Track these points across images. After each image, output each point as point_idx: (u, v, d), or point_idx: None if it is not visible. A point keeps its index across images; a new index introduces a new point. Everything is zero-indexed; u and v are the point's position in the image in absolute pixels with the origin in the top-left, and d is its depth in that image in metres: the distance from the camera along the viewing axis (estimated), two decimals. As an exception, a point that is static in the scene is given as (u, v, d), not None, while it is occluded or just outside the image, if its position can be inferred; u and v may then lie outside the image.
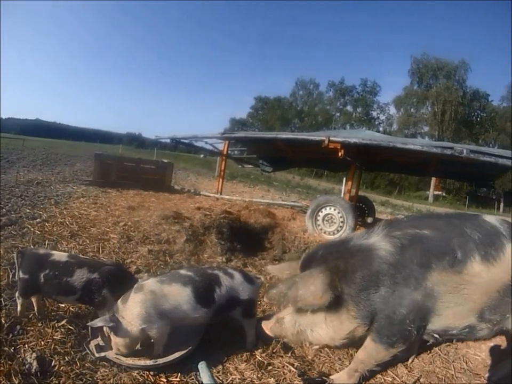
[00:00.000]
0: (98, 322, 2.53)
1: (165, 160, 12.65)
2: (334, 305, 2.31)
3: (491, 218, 2.46)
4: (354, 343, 2.52)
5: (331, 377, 2.63)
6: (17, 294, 2.88)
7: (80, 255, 3.62)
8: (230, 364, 2.74)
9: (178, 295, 2.62)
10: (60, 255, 2.93)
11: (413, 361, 2.99)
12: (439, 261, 2.23)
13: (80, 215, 6.09)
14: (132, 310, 2.53)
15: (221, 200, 9.71)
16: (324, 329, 2.41)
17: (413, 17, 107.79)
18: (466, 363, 2.86)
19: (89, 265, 2.89)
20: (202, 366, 2.54)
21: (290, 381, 2.62)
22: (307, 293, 2.22)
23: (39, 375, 2.31)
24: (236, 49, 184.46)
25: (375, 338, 2.37)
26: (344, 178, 12.05)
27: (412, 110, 53.63)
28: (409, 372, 2.87)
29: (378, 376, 2.77)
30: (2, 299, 3.09)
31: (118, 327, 2.50)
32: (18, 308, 2.88)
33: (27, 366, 2.34)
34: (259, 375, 2.63)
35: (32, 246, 4.25)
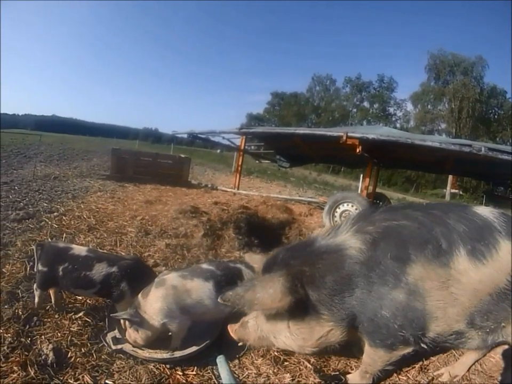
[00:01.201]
0: (123, 315, 2.56)
1: (182, 155, 12.68)
2: (300, 312, 2.19)
3: (484, 210, 2.18)
4: (329, 349, 2.37)
5: (347, 376, 2.59)
6: (35, 286, 2.92)
7: (99, 249, 3.67)
8: (246, 358, 2.73)
9: (201, 290, 2.62)
10: (79, 249, 2.97)
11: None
12: (421, 251, 2.02)
13: (97, 209, 6.15)
14: (154, 305, 2.54)
15: (238, 195, 9.69)
16: (289, 337, 2.29)
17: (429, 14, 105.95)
18: (480, 365, 2.78)
19: (108, 259, 2.92)
20: (221, 360, 2.54)
21: (306, 377, 2.59)
22: (265, 296, 2.07)
23: (55, 366, 2.33)
24: (251, 45, 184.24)
25: (369, 343, 2.25)
26: (361, 175, 11.94)
27: (429, 106, 52.81)
28: (424, 372, 2.82)
29: (393, 375, 2.71)
30: (19, 291, 3.14)
31: (139, 321, 2.52)
32: (36, 300, 2.91)
33: (43, 357, 2.37)
34: (275, 370, 2.61)
35: (49, 239, 4.31)
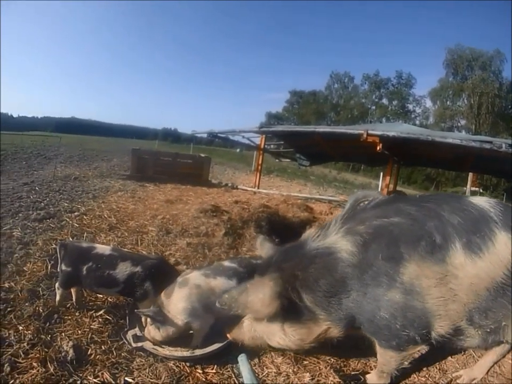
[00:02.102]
0: (147, 312, 2.57)
1: (202, 155, 12.76)
2: (295, 314, 2.21)
3: (480, 200, 2.13)
4: (327, 345, 2.46)
5: (366, 376, 2.56)
6: (57, 285, 2.95)
7: (123, 249, 3.70)
8: (266, 357, 2.72)
9: (224, 288, 2.60)
10: (103, 248, 2.99)
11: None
12: (413, 248, 1.99)
13: (118, 209, 6.23)
14: (178, 304, 2.54)
15: (258, 194, 9.70)
16: (284, 339, 2.29)
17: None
18: (499, 367, 2.73)
19: (132, 258, 2.93)
20: (242, 358, 2.52)
21: (326, 376, 2.57)
22: (255, 299, 2.10)
23: (74, 363, 2.35)
24: (268, 43, 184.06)
25: (378, 343, 2.24)
26: (382, 173, 11.87)
27: (448, 102, 52.16)
28: (442, 373, 2.77)
29: (412, 375, 2.68)
30: (40, 289, 3.17)
31: (162, 320, 2.53)
32: (57, 298, 2.94)
33: (63, 354, 2.39)
34: (295, 370, 2.60)
35: (71, 239, 4.37)
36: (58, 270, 2.96)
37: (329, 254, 2.15)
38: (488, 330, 2.03)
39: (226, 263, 2.89)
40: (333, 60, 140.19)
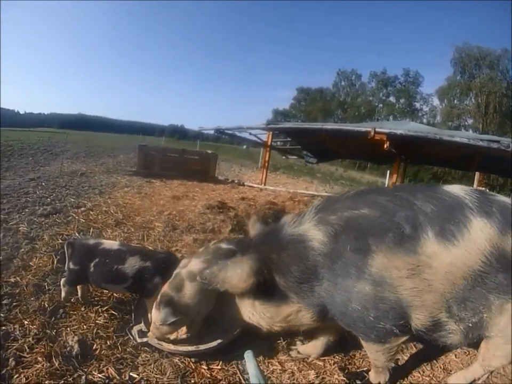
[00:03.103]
0: (168, 319, 2.45)
1: (209, 151, 12.78)
2: (267, 294, 2.27)
3: (455, 188, 2.11)
4: (300, 329, 2.47)
5: (369, 373, 2.55)
6: (63, 282, 2.94)
7: (130, 244, 3.71)
8: (271, 354, 2.72)
9: None
10: (110, 243, 2.97)
11: None
12: (381, 240, 1.98)
13: (124, 204, 6.27)
14: (194, 298, 2.45)
15: (264, 191, 9.71)
16: (255, 315, 2.38)
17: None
18: (503, 368, 2.72)
19: (141, 253, 2.91)
20: (248, 355, 2.51)
21: (331, 374, 2.56)
22: (233, 275, 2.16)
23: (79, 357, 2.35)
24: (274, 39, 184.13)
25: (361, 337, 2.27)
26: (388, 171, 11.83)
27: (456, 101, 51.71)
28: (447, 372, 2.75)
29: (416, 375, 2.67)
30: (46, 284, 3.19)
31: (179, 320, 2.47)
32: (63, 294, 2.94)
33: (68, 349, 2.40)
34: (300, 367, 2.60)
35: (77, 234, 4.39)
36: (65, 267, 2.94)
37: (301, 242, 2.19)
38: (470, 324, 2.01)
39: (224, 245, 2.82)
40: (338, 57, 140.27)
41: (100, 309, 2.95)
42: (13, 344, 2.40)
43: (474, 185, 37.71)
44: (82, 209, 5.62)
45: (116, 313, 2.92)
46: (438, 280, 1.94)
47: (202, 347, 2.57)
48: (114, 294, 3.21)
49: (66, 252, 2.92)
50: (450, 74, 50.74)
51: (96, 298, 3.15)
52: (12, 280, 3.19)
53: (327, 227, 2.14)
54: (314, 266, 2.14)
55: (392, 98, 66.78)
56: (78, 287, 3.01)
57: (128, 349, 2.54)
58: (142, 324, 2.74)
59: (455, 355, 2.93)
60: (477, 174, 35.96)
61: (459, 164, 11.66)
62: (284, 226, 2.36)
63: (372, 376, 2.49)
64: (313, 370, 2.57)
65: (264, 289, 2.23)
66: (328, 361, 2.69)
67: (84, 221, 5.02)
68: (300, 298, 2.23)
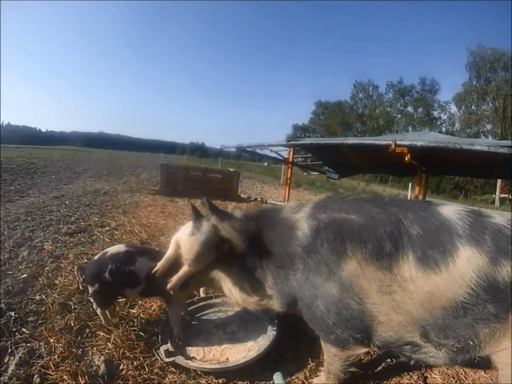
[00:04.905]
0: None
1: (231, 169, 12.89)
2: (249, 272, 2.35)
3: (449, 210, 2.02)
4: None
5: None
6: (94, 306, 2.96)
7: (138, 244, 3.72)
8: (300, 374, 2.64)
9: None
10: (116, 248, 2.94)
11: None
12: (358, 248, 1.98)
13: (148, 224, 6.33)
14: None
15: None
16: (234, 290, 2.48)
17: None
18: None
19: (150, 253, 2.91)
20: (278, 376, 2.51)
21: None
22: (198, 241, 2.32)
23: (106, 377, 2.37)
24: (291, 55, 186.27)
25: (321, 336, 2.30)
26: (410, 184, 11.76)
27: (473, 107, 51.18)
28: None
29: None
30: (71, 303, 3.23)
31: None
32: (102, 320, 2.94)
33: (94, 368, 2.42)
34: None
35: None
36: (89, 294, 2.93)
37: (290, 228, 2.25)
38: (454, 349, 1.94)
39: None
40: (354, 62, 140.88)
41: (128, 329, 2.94)
42: (38, 361, 2.44)
43: (497, 193, 37.14)
44: (107, 228, 5.71)
45: (142, 334, 2.91)
46: (411, 305, 1.91)
47: (230, 364, 2.57)
48: (141, 315, 3.22)
49: (79, 279, 2.96)
50: (466, 80, 50.88)
51: (121, 321, 3.13)
52: (37, 298, 3.24)
53: (314, 222, 2.19)
54: (293, 254, 2.20)
55: (410, 108, 67.24)
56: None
57: (155, 370, 2.53)
58: (169, 344, 2.75)
59: (485, 371, 2.81)
60: (499, 181, 35.45)
61: (480, 172, 11.55)
62: (285, 207, 2.45)
63: (319, 378, 2.50)
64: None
65: (247, 269, 2.34)
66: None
67: (108, 240, 5.08)
68: (275, 283, 2.31)
